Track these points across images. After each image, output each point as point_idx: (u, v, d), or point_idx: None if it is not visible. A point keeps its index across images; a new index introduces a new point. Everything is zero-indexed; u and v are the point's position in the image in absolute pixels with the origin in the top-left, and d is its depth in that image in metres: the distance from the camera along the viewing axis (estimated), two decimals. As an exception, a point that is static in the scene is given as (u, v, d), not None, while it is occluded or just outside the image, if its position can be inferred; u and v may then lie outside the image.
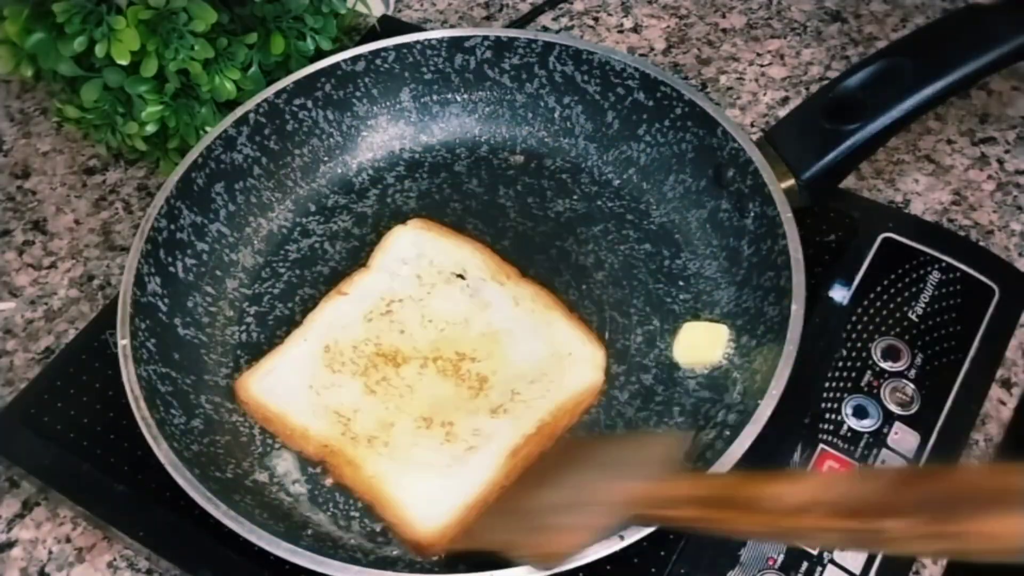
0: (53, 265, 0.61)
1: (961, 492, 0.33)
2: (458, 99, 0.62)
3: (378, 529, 0.46)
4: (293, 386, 0.50)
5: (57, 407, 0.51)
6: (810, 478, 0.40)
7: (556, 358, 0.51)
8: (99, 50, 0.54)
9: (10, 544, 0.49)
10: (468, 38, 0.59)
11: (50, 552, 0.49)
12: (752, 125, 0.65)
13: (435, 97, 0.62)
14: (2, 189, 0.65)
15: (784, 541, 0.42)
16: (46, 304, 0.59)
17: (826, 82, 0.67)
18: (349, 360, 0.51)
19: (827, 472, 0.44)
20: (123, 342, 0.47)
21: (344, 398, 0.50)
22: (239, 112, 0.56)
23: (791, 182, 0.51)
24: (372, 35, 0.60)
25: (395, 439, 0.48)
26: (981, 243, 0.58)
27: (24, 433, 0.50)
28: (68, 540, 0.49)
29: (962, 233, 0.58)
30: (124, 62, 0.54)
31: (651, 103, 0.57)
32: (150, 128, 0.58)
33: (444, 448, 0.48)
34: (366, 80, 0.60)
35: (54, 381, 0.52)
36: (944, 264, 0.53)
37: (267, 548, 0.41)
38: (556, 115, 0.61)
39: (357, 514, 0.47)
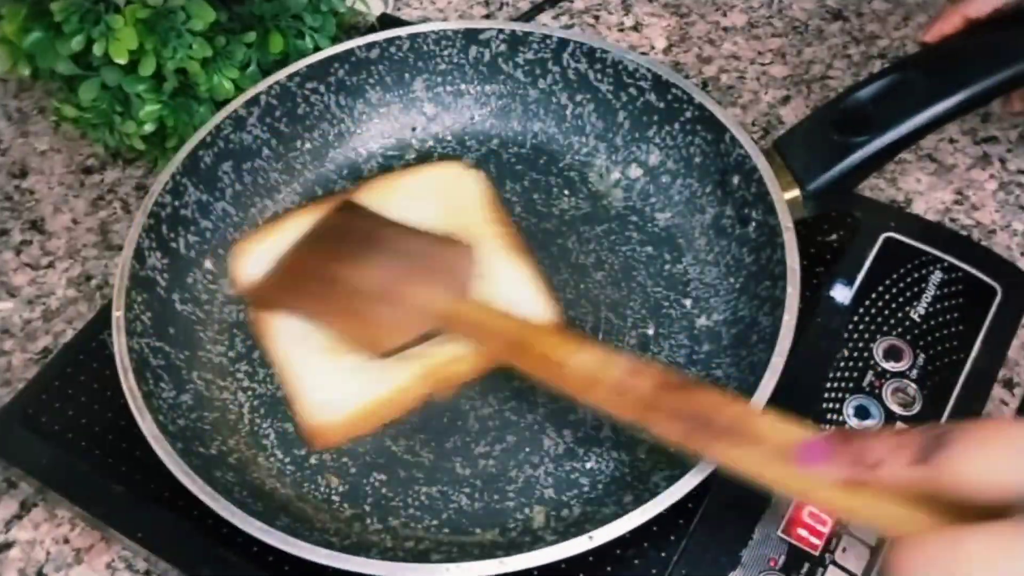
0: (51, 265, 0.60)
1: (708, 414, 0.39)
2: (471, 91, 0.62)
3: (358, 514, 0.46)
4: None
5: (55, 407, 0.51)
6: (591, 352, 0.42)
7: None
8: (97, 49, 0.53)
9: (8, 545, 0.49)
10: (483, 30, 0.59)
11: (48, 553, 0.49)
12: (753, 124, 0.65)
13: (448, 88, 0.62)
14: None
15: (585, 404, 0.43)
16: (44, 304, 0.59)
17: (828, 80, 0.67)
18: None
19: (608, 353, 0.44)
20: (117, 313, 0.47)
21: None
22: (250, 93, 0.56)
23: (796, 193, 0.50)
24: (372, 33, 0.60)
25: None
26: (983, 243, 0.57)
27: (22, 433, 0.50)
28: (66, 541, 0.49)
29: (964, 233, 0.58)
30: (122, 61, 0.54)
31: (662, 105, 0.56)
32: (148, 127, 0.58)
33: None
34: (379, 67, 0.60)
35: (52, 381, 0.52)
36: (946, 264, 0.53)
37: (239, 526, 0.40)
38: (568, 112, 0.60)
39: (338, 498, 0.47)
